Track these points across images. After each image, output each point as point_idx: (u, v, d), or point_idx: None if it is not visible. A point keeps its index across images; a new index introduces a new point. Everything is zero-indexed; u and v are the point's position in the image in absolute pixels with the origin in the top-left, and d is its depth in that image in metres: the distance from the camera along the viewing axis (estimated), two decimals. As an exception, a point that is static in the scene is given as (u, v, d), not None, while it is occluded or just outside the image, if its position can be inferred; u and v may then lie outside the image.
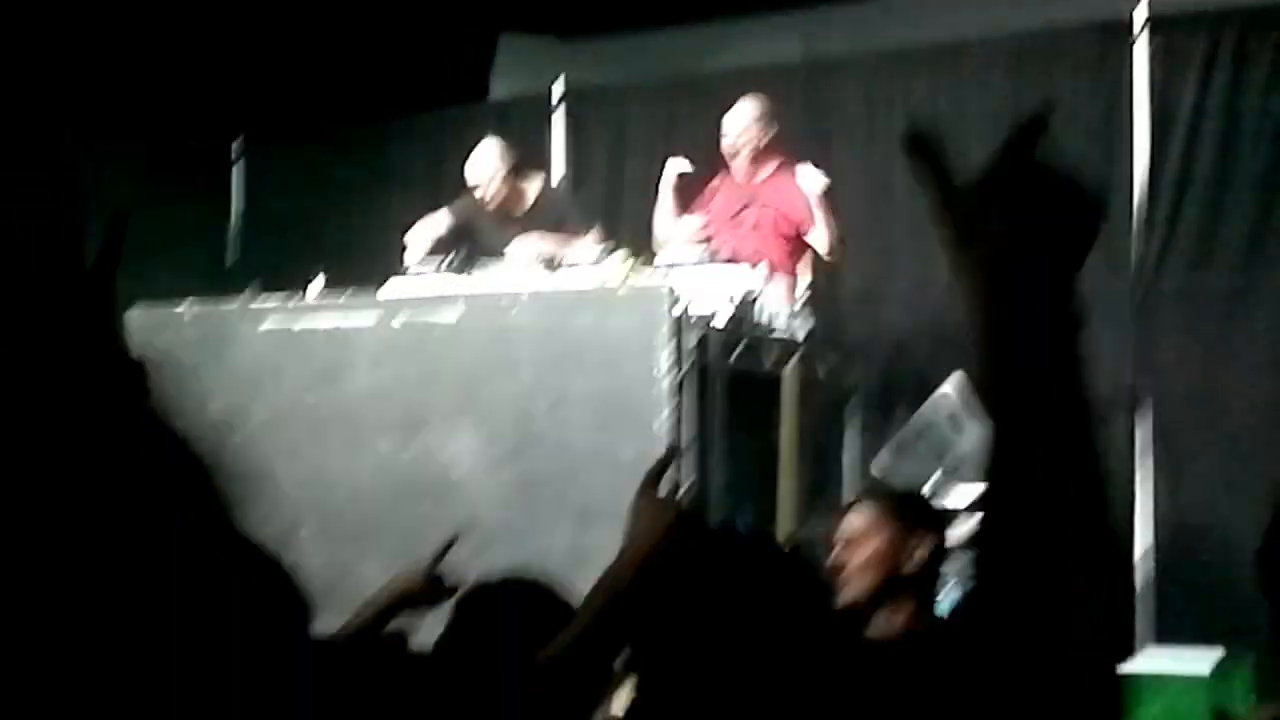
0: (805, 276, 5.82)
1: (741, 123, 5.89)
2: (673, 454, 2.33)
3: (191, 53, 7.30)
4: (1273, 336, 5.52)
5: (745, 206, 5.85)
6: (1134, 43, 5.82)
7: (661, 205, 6.00)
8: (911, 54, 6.50)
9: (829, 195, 5.76)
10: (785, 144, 5.99)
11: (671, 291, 5.09)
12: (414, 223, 6.33)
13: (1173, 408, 5.77)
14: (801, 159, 6.05)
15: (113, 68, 7.09)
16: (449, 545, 2.61)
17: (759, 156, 5.88)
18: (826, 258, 5.75)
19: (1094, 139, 5.81)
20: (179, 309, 5.93)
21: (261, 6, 7.16)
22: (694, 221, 5.85)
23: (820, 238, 5.71)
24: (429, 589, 2.54)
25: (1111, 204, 5.83)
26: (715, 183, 6.02)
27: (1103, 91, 5.88)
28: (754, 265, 5.48)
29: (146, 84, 7.28)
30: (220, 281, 6.98)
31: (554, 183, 6.77)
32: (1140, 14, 5.82)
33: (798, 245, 5.80)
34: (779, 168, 5.88)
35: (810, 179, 5.77)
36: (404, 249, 6.16)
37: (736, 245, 5.65)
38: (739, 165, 5.91)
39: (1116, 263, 5.77)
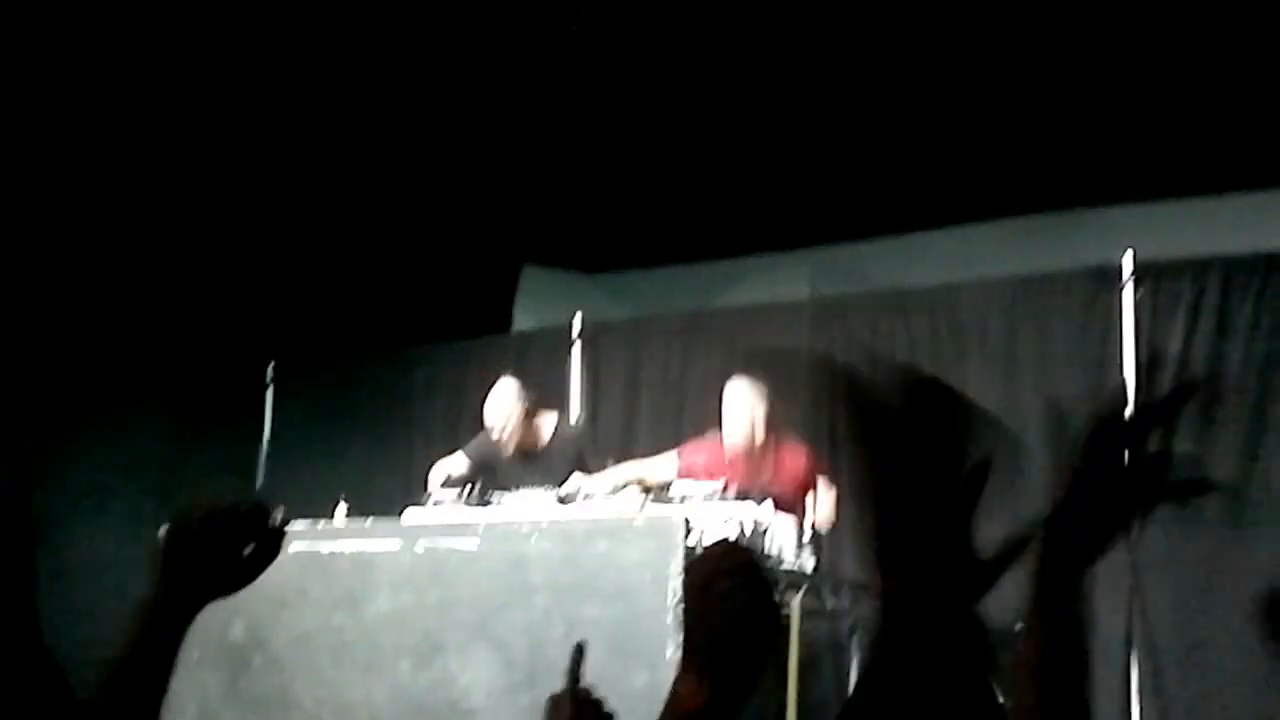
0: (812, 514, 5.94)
1: (741, 417, 5.91)
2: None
3: (229, 281, 7.64)
4: (1261, 583, 5.56)
5: (759, 475, 5.99)
6: (1123, 288, 6.06)
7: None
8: (913, 294, 6.75)
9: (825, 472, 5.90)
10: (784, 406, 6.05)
11: (686, 522, 5.26)
12: (435, 458, 6.56)
13: (1163, 657, 5.85)
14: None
15: (158, 293, 7.43)
16: (579, 653, 2.00)
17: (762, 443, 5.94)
18: (820, 528, 5.82)
19: (1085, 379, 6.00)
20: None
21: (294, 237, 7.50)
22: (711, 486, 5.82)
23: (822, 511, 5.88)
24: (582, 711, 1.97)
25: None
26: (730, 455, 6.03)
27: (1093, 333, 6.10)
28: (762, 501, 5.65)
29: (188, 307, 7.60)
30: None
31: (571, 418, 6.98)
32: (1128, 261, 6.08)
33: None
34: (779, 447, 5.95)
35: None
36: (425, 483, 6.38)
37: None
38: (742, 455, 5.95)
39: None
